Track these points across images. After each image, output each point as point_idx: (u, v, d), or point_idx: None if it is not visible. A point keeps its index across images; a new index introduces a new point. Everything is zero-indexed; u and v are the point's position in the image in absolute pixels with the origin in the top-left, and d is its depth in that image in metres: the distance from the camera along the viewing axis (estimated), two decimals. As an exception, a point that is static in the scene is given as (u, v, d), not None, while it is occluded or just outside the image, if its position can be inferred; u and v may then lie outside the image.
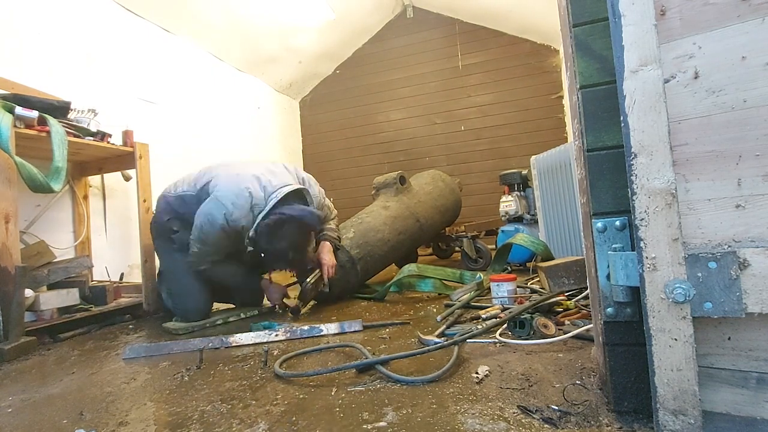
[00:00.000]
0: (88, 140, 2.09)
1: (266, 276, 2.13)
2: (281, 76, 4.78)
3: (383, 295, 2.23)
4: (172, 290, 2.02)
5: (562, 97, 4.41)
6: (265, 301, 2.15)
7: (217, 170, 2.00)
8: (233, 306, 2.26)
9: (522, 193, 3.04)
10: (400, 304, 2.07)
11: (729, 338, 0.70)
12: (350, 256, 2.27)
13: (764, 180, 0.67)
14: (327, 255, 2.11)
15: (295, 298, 2.07)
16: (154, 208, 2.25)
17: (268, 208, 1.83)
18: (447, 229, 3.23)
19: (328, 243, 2.17)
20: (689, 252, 0.68)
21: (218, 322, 1.91)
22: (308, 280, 2.01)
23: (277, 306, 2.09)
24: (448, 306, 1.83)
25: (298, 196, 1.97)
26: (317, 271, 2.06)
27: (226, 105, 4.04)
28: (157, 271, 2.29)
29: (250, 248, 1.90)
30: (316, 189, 2.18)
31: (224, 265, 1.97)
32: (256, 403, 1.03)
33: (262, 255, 1.90)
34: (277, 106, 4.97)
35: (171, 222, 2.03)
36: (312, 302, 2.26)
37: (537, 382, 1.01)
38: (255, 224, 1.84)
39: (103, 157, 2.39)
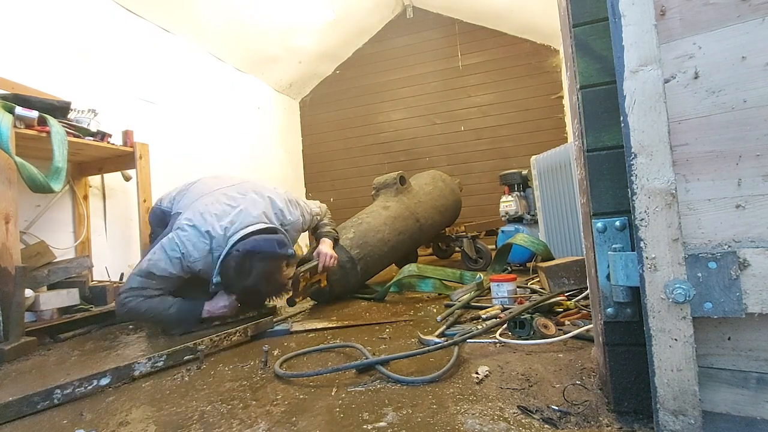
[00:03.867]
0: (88, 140, 2.09)
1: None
2: (281, 76, 4.78)
3: (383, 296, 2.23)
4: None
5: (562, 97, 4.41)
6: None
7: (189, 196, 1.91)
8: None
9: (522, 193, 3.04)
10: (400, 305, 2.07)
11: (729, 338, 0.70)
12: (350, 256, 2.27)
13: (764, 180, 0.67)
14: (326, 247, 2.13)
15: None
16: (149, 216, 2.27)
17: (226, 250, 1.71)
18: (447, 229, 3.23)
19: (328, 239, 2.20)
20: (689, 252, 0.68)
21: (216, 322, 1.91)
22: (301, 269, 1.98)
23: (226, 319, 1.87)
24: (448, 306, 1.83)
25: (266, 233, 1.81)
26: (314, 261, 2.07)
27: (226, 105, 4.04)
28: None
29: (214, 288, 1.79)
30: (297, 213, 2.05)
31: (151, 301, 1.72)
32: (256, 404, 1.03)
33: (236, 297, 1.81)
34: (277, 106, 4.97)
35: (156, 232, 2.02)
36: (311, 302, 2.26)
37: (537, 382, 1.01)
38: (216, 267, 1.72)
39: (103, 157, 2.39)
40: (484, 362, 1.17)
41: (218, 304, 1.80)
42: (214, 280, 1.75)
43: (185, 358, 1.40)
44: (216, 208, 1.80)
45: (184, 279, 1.78)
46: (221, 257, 1.72)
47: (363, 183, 5.00)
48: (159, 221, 2.06)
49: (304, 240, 5.20)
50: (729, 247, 0.68)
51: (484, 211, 4.48)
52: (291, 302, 2.02)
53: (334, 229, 2.31)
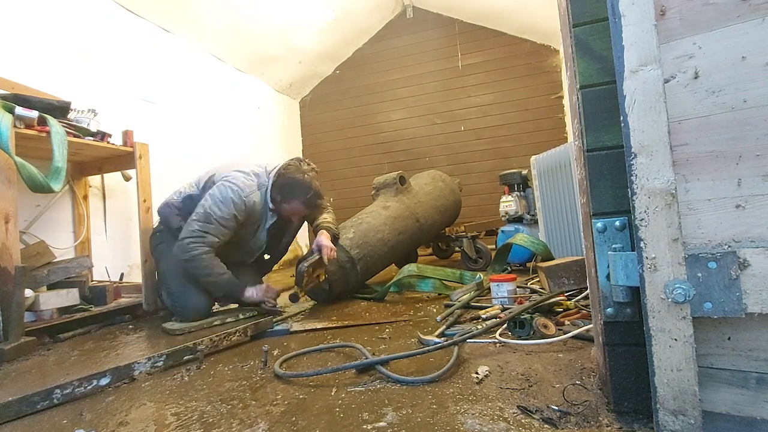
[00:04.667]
0: (88, 140, 2.08)
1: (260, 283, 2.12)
2: (281, 76, 4.78)
3: (383, 295, 2.23)
4: (172, 289, 2.01)
5: (562, 97, 4.41)
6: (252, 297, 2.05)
7: (215, 169, 2.11)
8: (233, 306, 2.25)
9: (522, 193, 3.04)
10: (400, 305, 2.07)
11: (729, 338, 0.70)
12: (350, 256, 2.27)
13: (764, 180, 0.66)
14: (325, 239, 2.16)
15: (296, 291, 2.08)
16: (155, 216, 2.26)
17: (272, 179, 2.03)
18: (447, 229, 3.23)
19: (326, 231, 2.23)
20: (689, 252, 0.68)
21: (216, 323, 1.91)
22: (306, 264, 2.02)
23: (265, 303, 2.02)
24: (448, 306, 1.83)
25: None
26: (316, 254, 2.09)
27: (226, 105, 4.04)
28: (156, 275, 2.29)
29: (271, 215, 2.05)
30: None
31: (213, 260, 1.92)
32: (256, 404, 1.03)
33: (282, 212, 2.08)
34: (277, 106, 4.97)
35: (179, 223, 2.07)
36: (311, 302, 2.26)
37: (537, 382, 1.01)
38: (269, 190, 2.02)
39: (103, 157, 2.39)
40: (484, 362, 1.17)
41: (254, 291, 2.01)
42: (270, 204, 2.02)
43: (185, 358, 1.40)
44: (248, 165, 2.08)
45: (232, 233, 1.96)
46: (272, 182, 2.02)
47: (363, 183, 5.00)
48: (186, 206, 2.09)
49: (303, 240, 5.21)
50: (729, 247, 0.67)
51: (484, 211, 4.47)
52: (294, 298, 2.04)
53: (334, 225, 2.33)
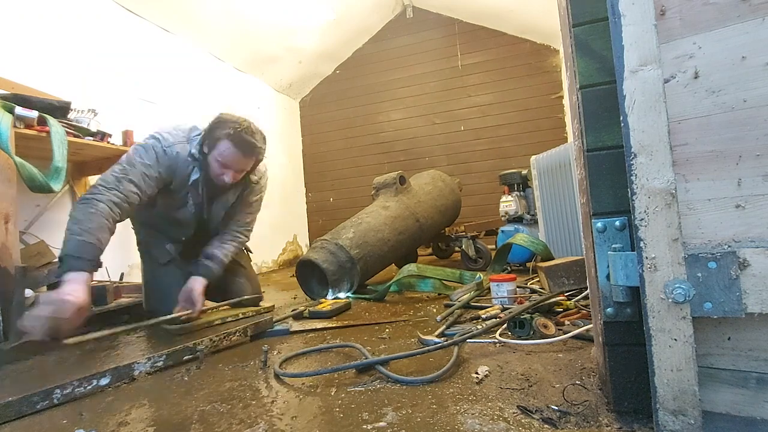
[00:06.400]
0: (88, 140, 2.08)
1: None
2: (281, 76, 4.78)
3: (383, 295, 2.23)
4: (148, 296, 2.01)
5: (562, 97, 4.41)
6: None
7: None
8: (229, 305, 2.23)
9: (522, 193, 3.05)
10: (400, 304, 2.07)
11: (729, 338, 0.70)
12: (350, 256, 2.27)
13: (764, 180, 0.66)
14: (198, 285, 1.76)
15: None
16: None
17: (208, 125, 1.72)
18: (447, 229, 3.23)
19: (202, 279, 1.78)
20: (689, 252, 0.68)
21: (216, 323, 1.91)
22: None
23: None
24: (447, 306, 1.83)
25: None
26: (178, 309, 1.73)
27: (226, 105, 4.03)
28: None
29: (195, 169, 1.73)
30: None
31: (96, 214, 1.51)
32: (256, 403, 1.03)
33: (209, 154, 1.71)
34: (277, 106, 4.97)
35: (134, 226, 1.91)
36: (311, 302, 2.26)
37: (537, 382, 1.01)
38: (201, 136, 1.73)
39: (103, 157, 2.38)
40: (484, 362, 1.17)
41: (63, 290, 1.39)
42: (195, 152, 1.72)
43: (185, 358, 1.40)
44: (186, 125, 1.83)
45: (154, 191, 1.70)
46: (203, 132, 1.72)
47: (363, 183, 5.00)
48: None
49: (304, 240, 5.21)
50: (729, 247, 0.67)
51: (484, 211, 4.47)
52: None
53: (226, 259, 1.94)
